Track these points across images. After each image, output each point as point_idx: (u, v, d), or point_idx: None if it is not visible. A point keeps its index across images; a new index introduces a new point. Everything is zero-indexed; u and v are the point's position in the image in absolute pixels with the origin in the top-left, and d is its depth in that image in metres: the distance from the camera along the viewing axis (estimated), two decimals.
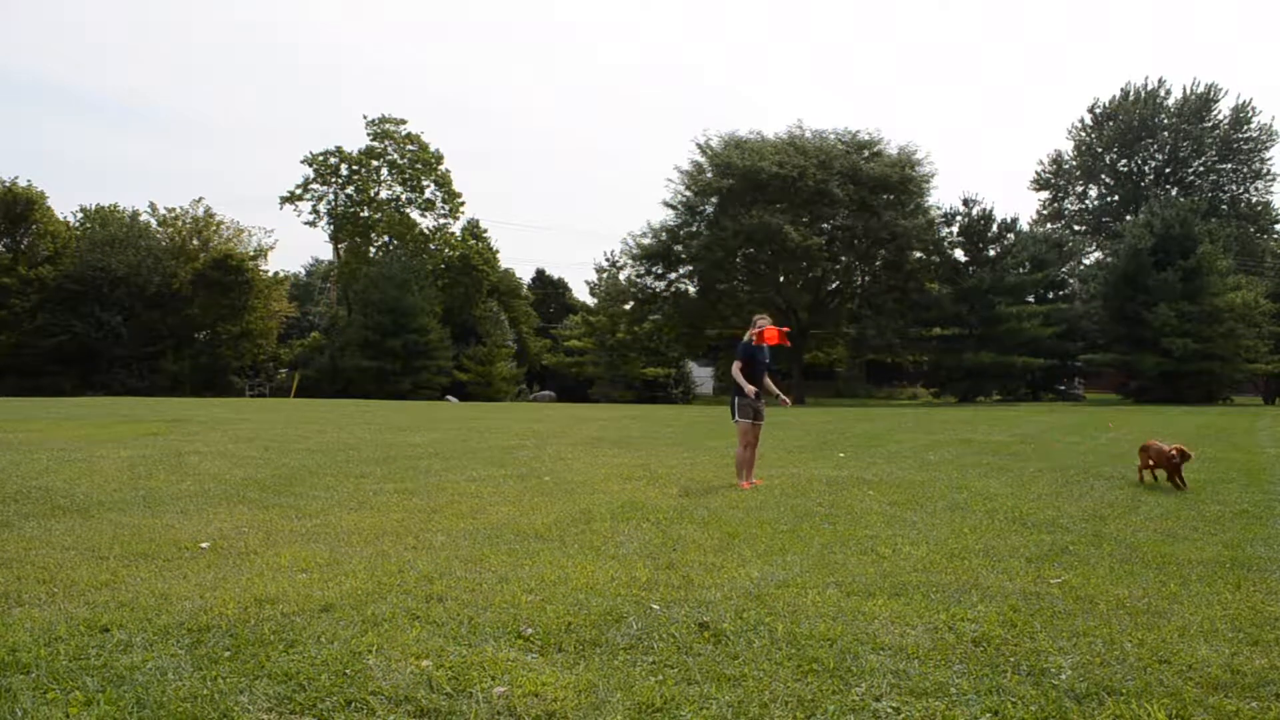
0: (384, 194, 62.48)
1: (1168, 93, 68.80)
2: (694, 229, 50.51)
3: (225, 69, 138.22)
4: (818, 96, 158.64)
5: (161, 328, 54.80)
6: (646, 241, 51.63)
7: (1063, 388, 53.33)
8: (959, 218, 49.90)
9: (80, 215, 58.83)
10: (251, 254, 58.86)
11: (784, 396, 10.70)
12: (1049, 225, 68.20)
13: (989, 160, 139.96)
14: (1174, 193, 63.51)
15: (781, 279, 50.15)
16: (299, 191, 61.46)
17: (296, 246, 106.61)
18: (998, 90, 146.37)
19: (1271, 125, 67.86)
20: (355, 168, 61.52)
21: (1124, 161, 70.44)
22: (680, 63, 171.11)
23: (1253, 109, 67.24)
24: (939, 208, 50.33)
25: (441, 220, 64.07)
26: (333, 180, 61.70)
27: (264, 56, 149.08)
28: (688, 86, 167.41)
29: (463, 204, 64.18)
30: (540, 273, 76.33)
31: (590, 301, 62.79)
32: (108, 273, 52.41)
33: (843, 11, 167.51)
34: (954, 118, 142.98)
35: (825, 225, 48.79)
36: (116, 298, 52.96)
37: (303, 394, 51.80)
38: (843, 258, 50.43)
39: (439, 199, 63.25)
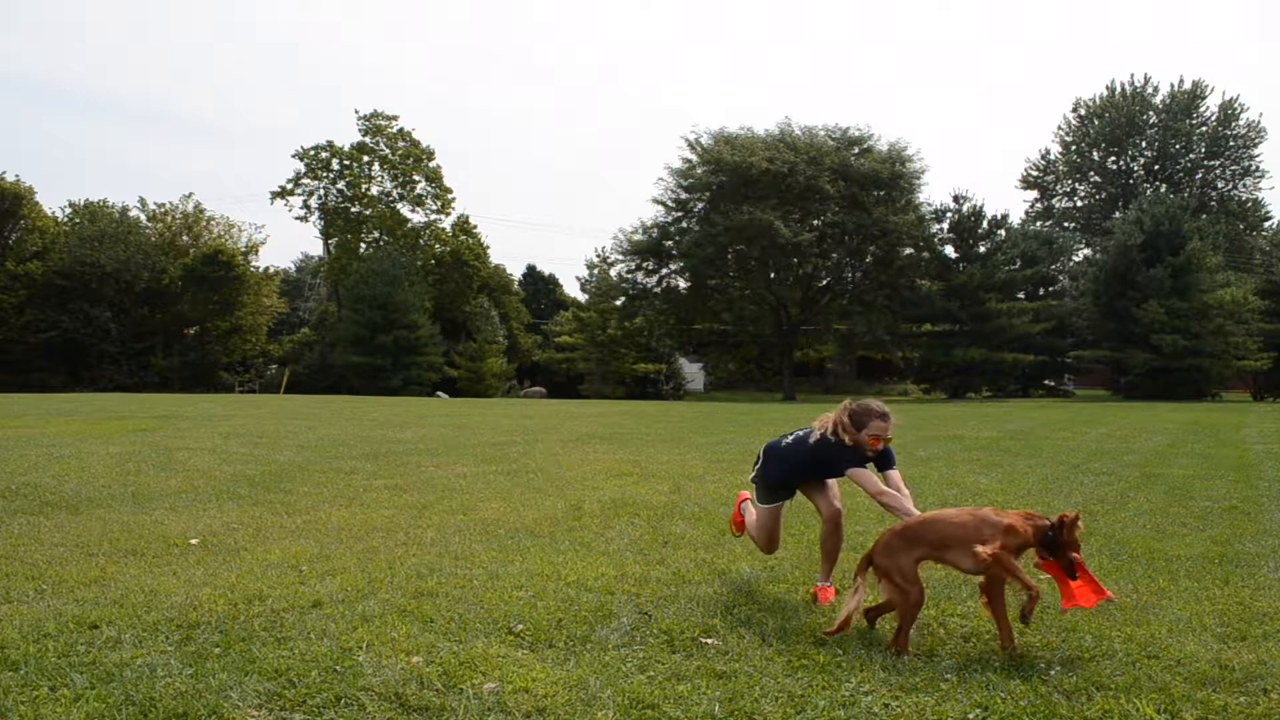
0: (375, 190, 62.36)
1: (1155, 90, 69.02)
2: (685, 225, 50.57)
3: (216, 65, 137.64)
4: (816, 97, 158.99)
5: (151, 323, 54.60)
6: (638, 238, 51.69)
7: (1053, 384, 53.51)
8: (949, 214, 50.06)
9: (69, 210, 58.59)
10: (242, 249, 58.66)
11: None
12: (1038, 224, 68.37)
13: (985, 159, 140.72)
14: (1163, 189, 63.73)
15: (772, 275, 50.23)
16: (290, 186, 61.30)
17: (287, 242, 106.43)
18: (995, 90, 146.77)
19: (1260, 122, 68.22)
20: (347, 163, 61.36)
21: (1112, 159, 70.64)
22: (679, 62, 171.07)
23: (1241, 105, 67.51)
24: (929, 204, 50.51)
25: (432, 216, 64.04)
26: (324, 175, 61.56)
27: (256, 53, 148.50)
28: (686, 86, 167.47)
29: (453, 200, 64.21)
30: (531, 269, 76.41)
31: (581, 298, 62.77)
32: (97, 268, 52.16)
33: (842, 11, 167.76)
34: (950, 117, 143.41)
35: (816, 221, 48.84)
36: (105, 293, 52.72)
37: (293, 390, 51.68)
38: (833, 254, 50.51)
39: (430, 195, 63.17)
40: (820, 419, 5.42)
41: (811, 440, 5.37)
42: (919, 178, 49.69)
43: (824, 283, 52.40)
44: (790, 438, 5.59)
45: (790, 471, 5.50)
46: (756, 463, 5.66)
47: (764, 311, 51.28)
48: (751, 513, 5.77)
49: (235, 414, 22.01)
